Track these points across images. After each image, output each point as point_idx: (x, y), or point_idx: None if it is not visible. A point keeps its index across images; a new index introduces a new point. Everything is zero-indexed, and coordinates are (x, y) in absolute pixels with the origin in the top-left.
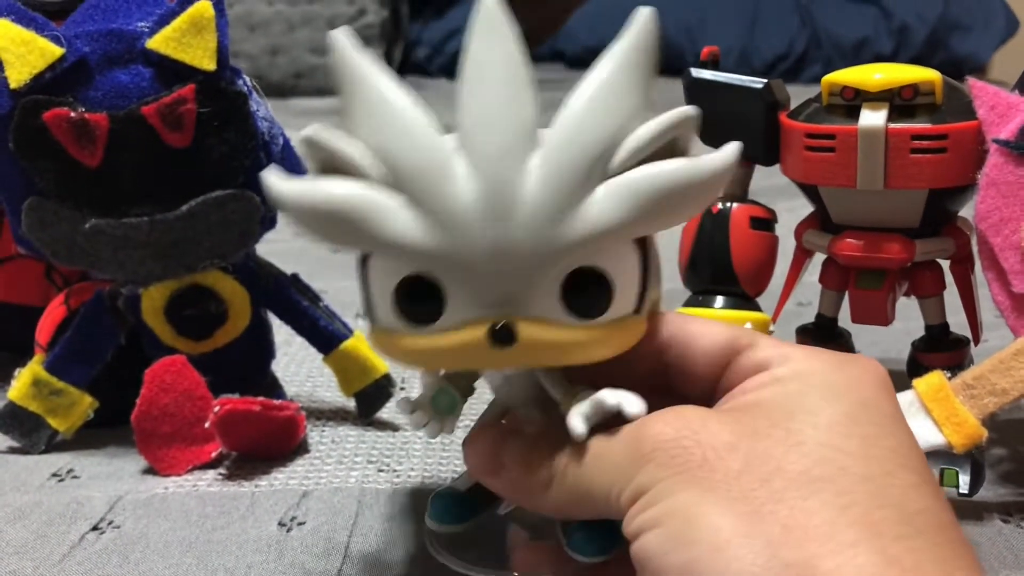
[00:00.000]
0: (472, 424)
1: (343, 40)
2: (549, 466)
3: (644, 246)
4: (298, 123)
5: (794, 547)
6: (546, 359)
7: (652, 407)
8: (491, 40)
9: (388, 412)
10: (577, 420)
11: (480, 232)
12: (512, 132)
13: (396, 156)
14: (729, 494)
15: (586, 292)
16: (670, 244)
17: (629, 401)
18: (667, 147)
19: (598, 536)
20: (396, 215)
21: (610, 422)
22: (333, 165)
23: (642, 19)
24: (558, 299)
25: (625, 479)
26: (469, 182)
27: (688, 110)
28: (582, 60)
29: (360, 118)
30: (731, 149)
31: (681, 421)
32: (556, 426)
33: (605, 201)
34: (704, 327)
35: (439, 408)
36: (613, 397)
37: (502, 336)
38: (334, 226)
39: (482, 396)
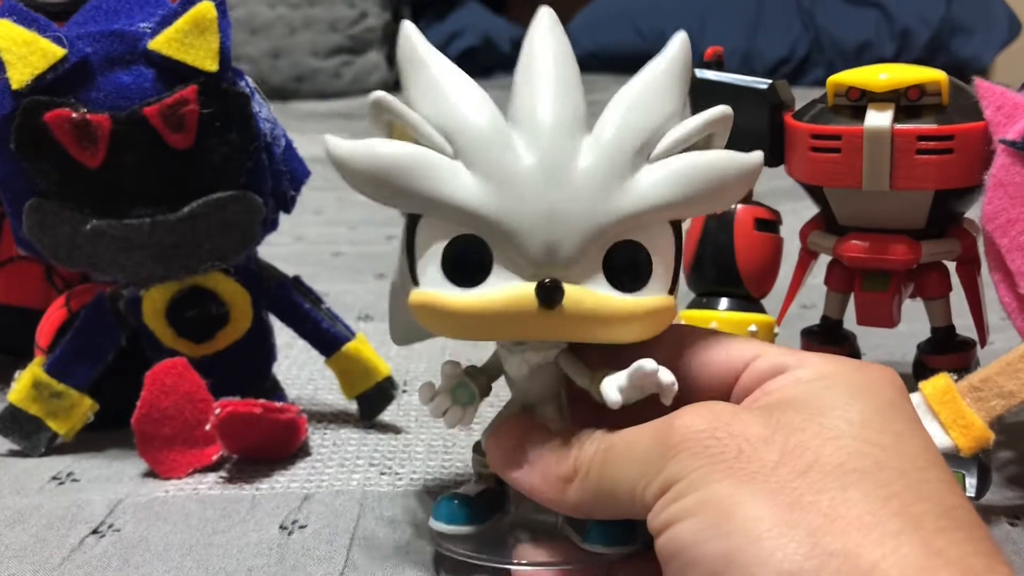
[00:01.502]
0: (484, 428)
1: (412, 30)
2: (573, 461)
3: (679, 231)
4: (299, 126)
5: (837, 536)
6: (586, 331)
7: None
8: (548, 38)
9: (390, 415)
10: (612, 389)
11: (534, 196)
12: (566, 113)
13: (457, 123)
14: (767, 485)
15: (628, 265)
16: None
17: (665, 371)
18: (703, 143)
19: (615, 531)
20: (455, 176)
21: (636, 414)
22: (394, 132)
23: (679, 41)
24: (600, 269)
25: (654, 470)
26: (526, 151)
27: (725, 110)
28: (583, 64)
29: (423, 95)
30: (759, 152)
31: (712, 413)
32: (577, 424)
33: (650, 180)
34: (714, 337)
35: (458, 402)
36: (652, 363)
37: (550, 293)
38: (393, 183)
39: (494, 402)
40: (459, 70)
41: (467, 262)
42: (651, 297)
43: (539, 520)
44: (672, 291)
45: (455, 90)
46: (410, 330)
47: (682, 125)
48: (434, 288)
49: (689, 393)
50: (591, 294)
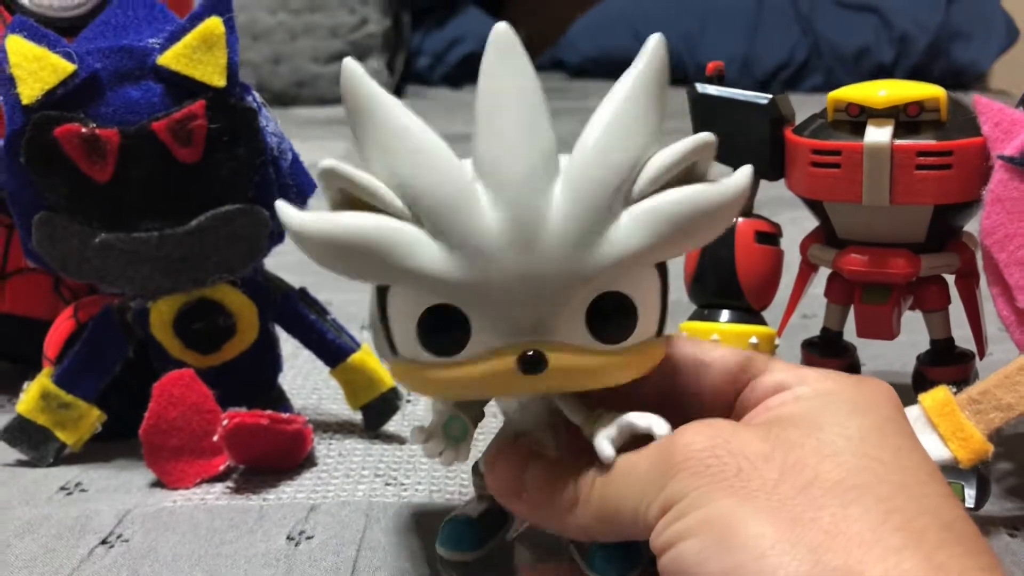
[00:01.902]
0: (483, 448)
1: (355, 70)
2: (574, 487)
3: (663, 269)
4: (300, 132)
5: (838, 553)
6: (573, 384)
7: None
8: (506, 67)
9: (395, 425)
10: (604, 443)
11: (506, 262)
12: (533, 159)
13: (416, 187)
14: (769, 503)
15: (611, 317)
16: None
17: (658, 423)
18: (685, 172)
19: (618, 556)
20: (421, 247)
21: (634, 443)
22: (350, 197)
23: (652, 45)
24: (584, 324)
25: (655, 490)
26: (493, 211)
27: (707, 136)
28: (582, 70)
29: (376, 150)
30: (745, 172)
31: (712, 431)
32: (572, 448)
33: (630, 226)
34: (716, 352)
35: (451, 435)
36: (643, 419)
37: (533, 364)
38: (357, 259)
39: (489, 421)
40: (412, 117)
41: (444, 330)
42: (637, 344)
43: (544, 535)
44: (660, 331)
45: (411, 146)
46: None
47: (661, 157)
48: (413, 358)
49: (692, 406)
50: (574, 355)
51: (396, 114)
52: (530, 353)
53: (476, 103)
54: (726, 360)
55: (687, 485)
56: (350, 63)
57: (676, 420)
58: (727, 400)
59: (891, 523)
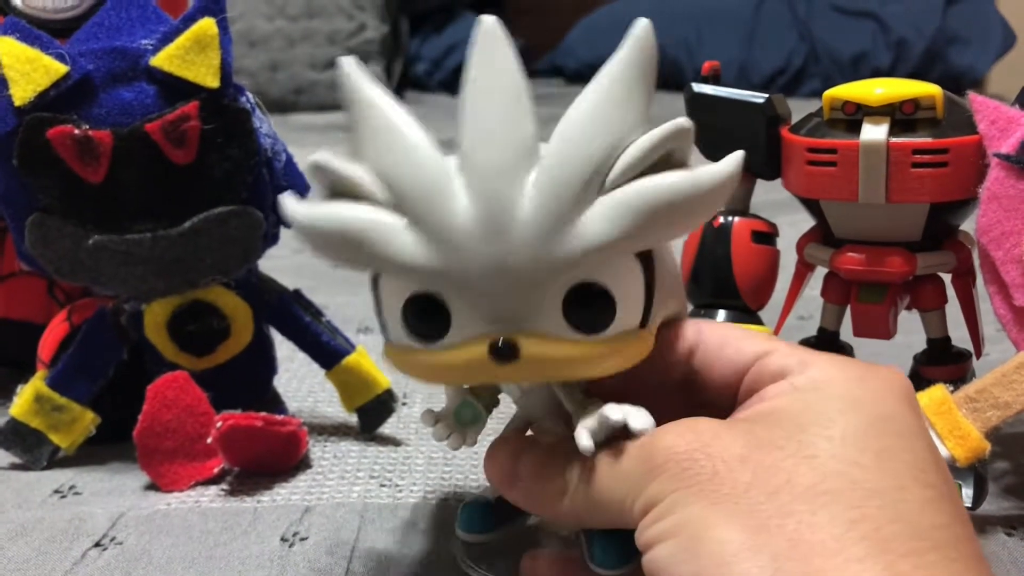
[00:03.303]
0: (494, 437)
1: (351, 67)
2: (562, 477)
3: (648, 260)
4: (298, 138)
5: (799, 561)
6: (551, 374)
7: (683, 414)
8: (491, 59)
9: (390, 427)
10: (584, 435)
11: (478, 251)
12: (510, 150)
13: (398, 178)
14: (736, 507)
15: (588, 307)
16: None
17: (634, 416)
18: (664, 160)
19: (616, 547)
20: (399, 236)
21: (622, 435)
22: (341, 189)
23: (638, 31)
24: (560, 314)
25: (637, 490)
26: (467, 201)
27: (682, 121)
28: (581, 75)
29: (366, 143)
30: (732, 160)
31: (693, 434)
32: (572, 437)
33: (601, 216)
34: (727, 332)
35: (462, 421)
36: (617, 412)
37: (504, 352)
38: (342, 247)
39: (507, 409)
40: (399, 112)
41: (426, 316)
42: (615, 335)
43: (564, 525)
44: (644, 323)
45: (395, 140)
46: None
47: (635, 147)
48: (400, 344)
49: (704, 388)
50: (549, 344)
51: (383, 110)
52: (500, 342)
53: (462, 91)
54: (736, 340)
55: (665, 488)
56: (346, 61)
57: (694, 404)
58: (737, 382)
59: (857, 531)
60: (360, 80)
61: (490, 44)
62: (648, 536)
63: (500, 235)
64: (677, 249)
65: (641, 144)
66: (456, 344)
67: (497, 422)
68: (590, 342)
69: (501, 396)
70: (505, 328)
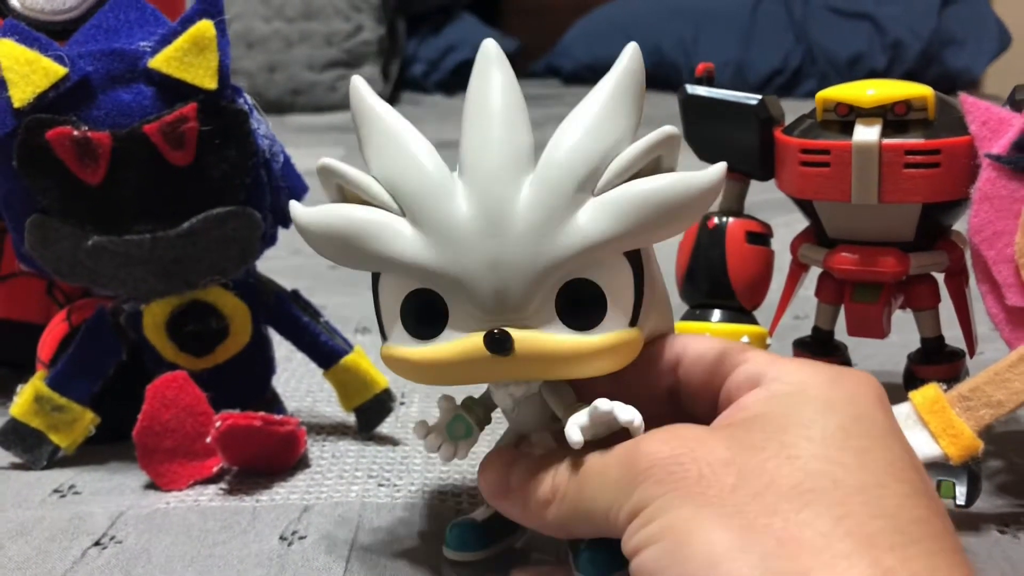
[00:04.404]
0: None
1: (360, 84)
2: (551, 484)
3: (637, 262)
4: (296, 139)
5: (788, 560)
6: (544, 371)
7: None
8: (490, 76)
9: (388, 427)
10: (573, 428)
11: (475, 247)
12: (507, 157)
13: (403, 182)
14: (723, 509)
15: (580, 304)
16: (668, 258)
17: (621, 408)
18: (653, 165)
19: (603, 557)
20: (402, 235)
21: (609, 441)
22: (346, 193)
23: (629, 53)
24: (553, 310)
25: (623, 496)
26: (465, 202)
27: (669, 129)
28: (578, 76)
29: (373, 153)
30: (718, 169)
31: (677, 439)
32: (562, 449)
33: (592, 216)
34: (700, 344)
35: (454, 435)
36: (606, 404)
37: (498, 343)
38: (347, 246)
39: (499, 426)
40: (406, 123)
41: (424, 314)
42: (607, 334)
43: (551, 544)
44: (635, 322)
45: (400, 145)
46: None
47: (626, 152)
48: (397, 343)
49: (689, 399)
50: (541, 338)
51: (389, 120)
52: (496, 332)
53: (464, 108)
54: (707, 351)
55: (651, 493)
56: (355, 79)
57: (679, 409)
58: (714, 391)
59: (842, 528)
60: (369, 96)
61: (489, 63)
62: (635, 542)
63: (497, 232)
64: (672, 250)
65: (632, 150)
66: (451, 339)
67: (490, 439)
68: (582, 339)
69: (493, 414)
70: (499, 324)
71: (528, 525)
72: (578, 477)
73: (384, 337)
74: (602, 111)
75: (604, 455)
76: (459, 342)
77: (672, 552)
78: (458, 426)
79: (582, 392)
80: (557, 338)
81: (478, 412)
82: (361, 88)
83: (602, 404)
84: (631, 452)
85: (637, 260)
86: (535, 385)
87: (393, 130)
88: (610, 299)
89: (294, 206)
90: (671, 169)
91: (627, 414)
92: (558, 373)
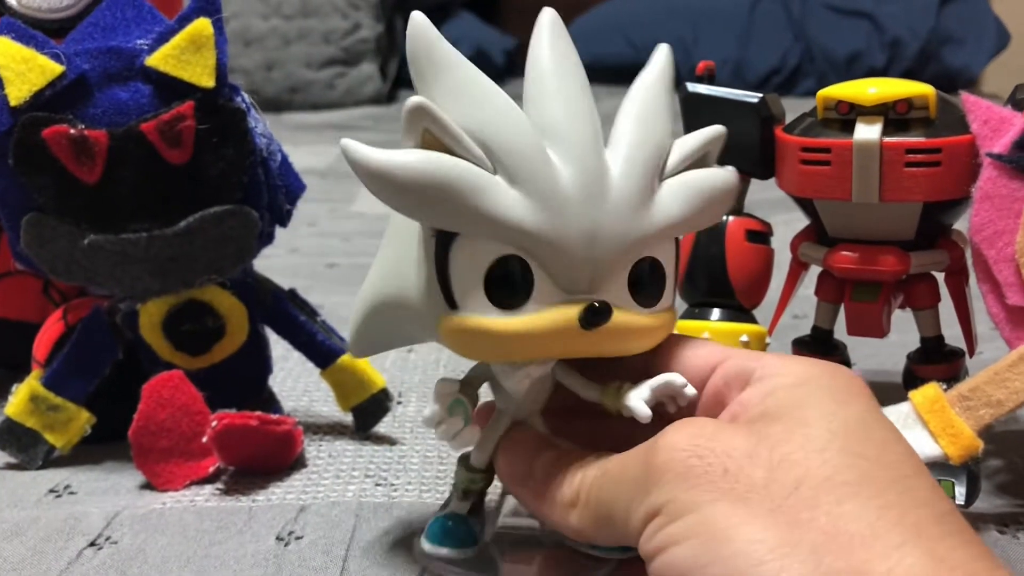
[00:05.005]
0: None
1: (423, 22)
2: (575, 482)
3: (677, 247)
4: (293, 137)
5: (841, 554)
6: (613, 346)
7: (663, 427)
8: (561, 46)
9: (385, 426)
10: (638, 402)
11: (577, 213)
12: (593, 127)
13: (495, 136)
14: (762, 505)
15: (648, 282)
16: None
17: (676, 376)
18: (701, 159)
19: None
20: (499, 193)
21: (620, 435)
22: (427, 142)
23: (664, 54)
24: (625, 287)
25: (641, 495)
26: (564, 166)
27: (721, 129)
28: None
29: (452, 100)
30: (732, 169)
31: (695, 430)
32: (569, 439)
33: (670, 197)
34: (685, 344)
35: (455, 417)
36: (680, 378)
37: (598, 315)
38: (434, 199)
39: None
40: (483, 74)
41: (508, 284)
42: (665, 311)
43: (521, 527)
44: (673, 303)
45: (487, 98)
46: (375, 342)
47: (684, 143)
48: (475, 312)
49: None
50: (625, 314)
51: (469, 67)
52: (597, 303)
53: (532, 72)
54: (692, 350)
55: (673, 488)
56: (418, 15)
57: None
58: (698, 389)
59: (888, 519)
60: (437, 38)
61: (558, 32)
62: (660, 539)
63: (597, 200)
64: None
65: (692, 141)
66: (541, 310)
67: None
68: (648, 314)
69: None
70: (584, 298)
71: (544, 521)
72: (600, 477)
73: (454, 306)
74: (655, 103)
75: (624, 454)
76: (550, 313)
77: (709, 550)
78: (458, 410)
79: (586, 372)
80: (635, 314)
81: (471, 394)
82: (428, 30)
83: (676, 378)
84: (648, 447)
85: (678, 244)
86: (549, 366)
87: (479, 80)
88: (668, 278)
89: (358, 147)
90: (711, 165)
91: (693, 390)
92: (619, 349)
